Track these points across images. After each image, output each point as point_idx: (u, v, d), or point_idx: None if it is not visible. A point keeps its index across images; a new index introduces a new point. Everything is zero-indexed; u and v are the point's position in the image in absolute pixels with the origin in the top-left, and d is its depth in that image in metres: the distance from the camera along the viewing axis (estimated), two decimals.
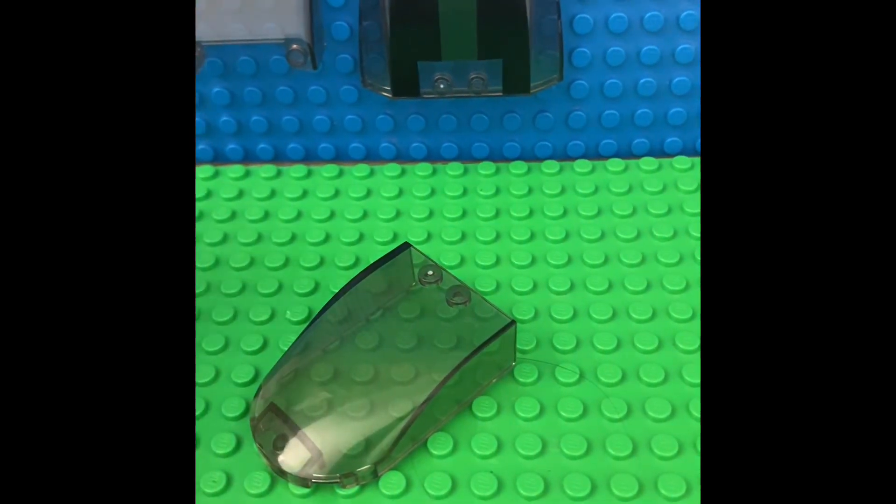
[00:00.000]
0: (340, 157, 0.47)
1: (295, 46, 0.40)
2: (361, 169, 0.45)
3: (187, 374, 0.23)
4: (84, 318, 0.22)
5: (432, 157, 0.47)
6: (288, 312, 0.37)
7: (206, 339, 0.36)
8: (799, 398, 0.21)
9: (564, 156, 0.46)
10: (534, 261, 0.39)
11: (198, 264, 0.40)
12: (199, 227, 0.42)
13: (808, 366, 0.21)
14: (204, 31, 0.41)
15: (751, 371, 0.22)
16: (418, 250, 0.35)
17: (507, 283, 0.38)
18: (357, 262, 0.40)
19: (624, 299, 0.37)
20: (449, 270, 0.35)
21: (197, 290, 0.38)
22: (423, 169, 0.45)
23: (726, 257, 0.23)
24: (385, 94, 0.42)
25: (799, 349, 0.22)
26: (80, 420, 0.21)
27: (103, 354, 0.22)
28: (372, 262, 0.36)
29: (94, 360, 0.22)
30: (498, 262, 0.39)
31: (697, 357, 0.34)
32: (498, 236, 0.41)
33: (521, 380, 0.34)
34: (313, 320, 0.34)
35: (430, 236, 0.41)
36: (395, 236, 0.41)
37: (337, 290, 0.35)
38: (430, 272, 0.34)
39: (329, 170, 0.45)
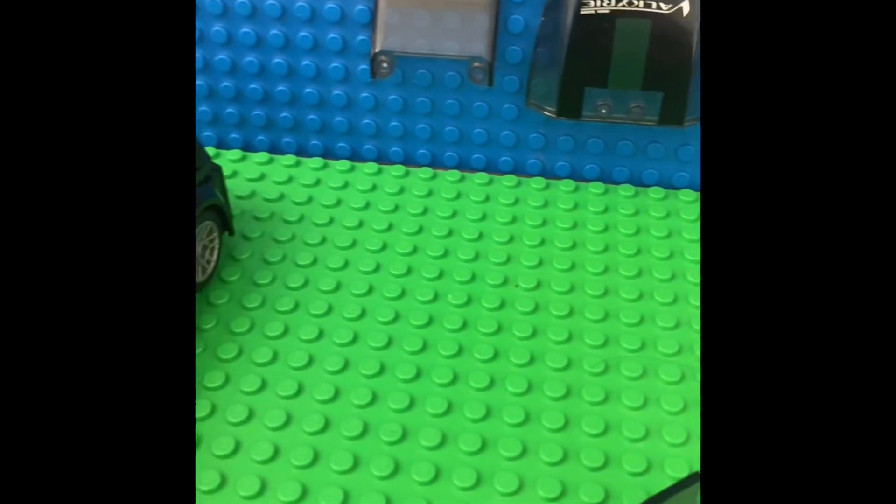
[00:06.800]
0: (490, 168, 0.52)
1: (477, 64, 0.45)
2: (510, 179, 0.50)
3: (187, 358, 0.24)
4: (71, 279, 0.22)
5: (575, 176, 0.52)
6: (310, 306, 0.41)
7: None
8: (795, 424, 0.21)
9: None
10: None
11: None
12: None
13: (802, 385, 0.21)
14: (393, 43, 0.47)
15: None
16: None
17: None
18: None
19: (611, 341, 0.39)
20: None
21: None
22: (566, 185, 0.50)
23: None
24: (548, 114, 0.47)
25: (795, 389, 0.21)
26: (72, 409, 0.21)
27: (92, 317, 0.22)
28: None
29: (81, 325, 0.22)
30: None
31: (679, 419, 0.36)
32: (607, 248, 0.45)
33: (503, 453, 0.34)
34: None
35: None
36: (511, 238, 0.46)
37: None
38: None
39: (481, 177, 0.50)
